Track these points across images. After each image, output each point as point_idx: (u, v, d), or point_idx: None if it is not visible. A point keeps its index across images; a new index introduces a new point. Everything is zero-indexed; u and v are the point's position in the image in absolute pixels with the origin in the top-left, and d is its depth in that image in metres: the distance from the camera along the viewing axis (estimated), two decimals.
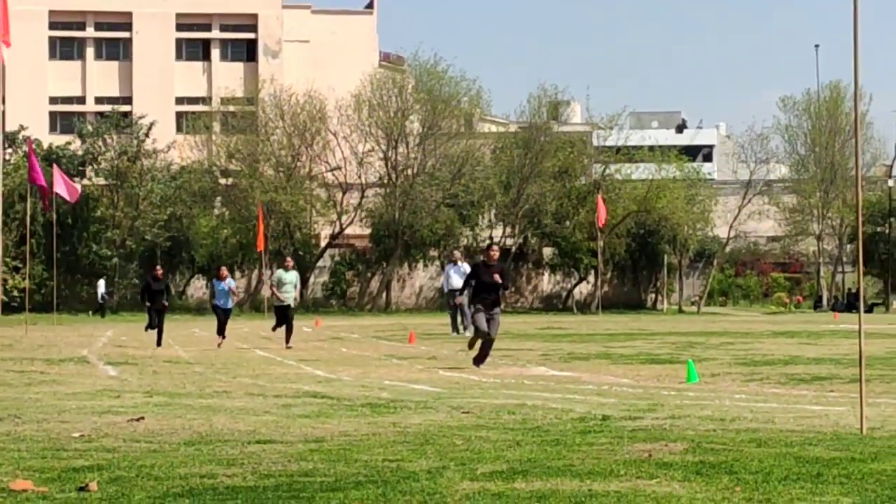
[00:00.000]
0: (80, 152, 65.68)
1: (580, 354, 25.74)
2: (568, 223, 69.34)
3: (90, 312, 58.79)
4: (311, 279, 67.28)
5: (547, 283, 73.13)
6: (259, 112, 69.44)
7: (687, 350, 26.38)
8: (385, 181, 67.58)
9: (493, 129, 76.78)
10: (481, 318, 21.15)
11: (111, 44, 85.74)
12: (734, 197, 76.96)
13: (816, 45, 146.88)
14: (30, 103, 77.62)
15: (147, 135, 65.80)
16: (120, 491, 7.54)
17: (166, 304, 31.28)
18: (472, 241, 68.73)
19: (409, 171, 67.04)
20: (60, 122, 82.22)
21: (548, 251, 71.56)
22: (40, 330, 40.03)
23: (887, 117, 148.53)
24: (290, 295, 29.69)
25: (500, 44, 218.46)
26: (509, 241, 68.95)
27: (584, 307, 69.21)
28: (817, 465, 8.47)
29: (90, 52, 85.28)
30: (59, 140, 68.42)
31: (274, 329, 30.36)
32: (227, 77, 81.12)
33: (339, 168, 67.46)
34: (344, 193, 68.23)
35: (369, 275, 69.74)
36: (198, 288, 67.31)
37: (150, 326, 30.94)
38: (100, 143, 65.87)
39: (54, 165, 47.92)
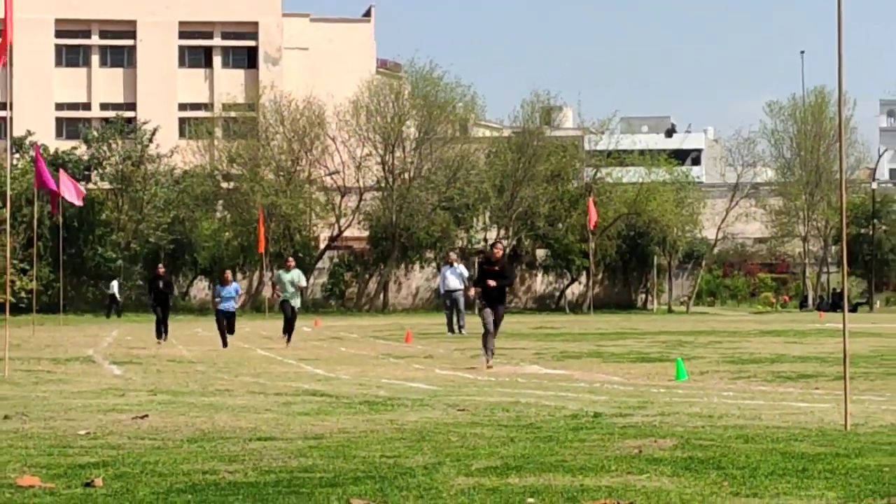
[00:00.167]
0: (85, 157, 65.64)
1: (572, 353, 25.75)
2: (560, 225, 69.32)
3: (105, 313, 58.91)
4: (311, 280, 67.16)
5: (540, 283, 73.10)
6: (260, 117, 69.40)
7: (676, 349, 26.39)
8: (382, 185, 67.54)
9: (488, 133, 76.79)
10: (488, 315, 21.60)
11: (116, 51, 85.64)
12: (722, 200, 76.97)
13: (802, 52, 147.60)
14: (36, 109, 77.49)
15: (151, 140, 65.78)
16: (124, 487, 7.53)
17: (170, 294, 31.76)
18: (467, 244, 68.76)
19: (406, 175, 67.01)
20: (66, 127, 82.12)
21: (541, 253, 71.53)
22: (47, 330, 40.02)
23: (870, 122, 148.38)
24: (290, 293, 29.47)
25: (494, 51, 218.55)
26: (503, 243, 68.83)
27: (576, 307, 69.19)
28: (803, 460, 8.48)
29: (95, 59, 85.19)
30: (64, 145, 68.39)
31: (285, 333, 29.52)
32: (229, 83, 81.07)
33: (337, 172, 67.41)
34: (342, 197, 68.20)
35: (367, 276, 69.69)
36: (200, 289, 67.32)
37: (158, 335, 31.24)
38: (105, 148, 65.82)
39: (61, 170, 47.86)
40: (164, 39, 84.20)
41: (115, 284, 60.31)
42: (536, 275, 72.81)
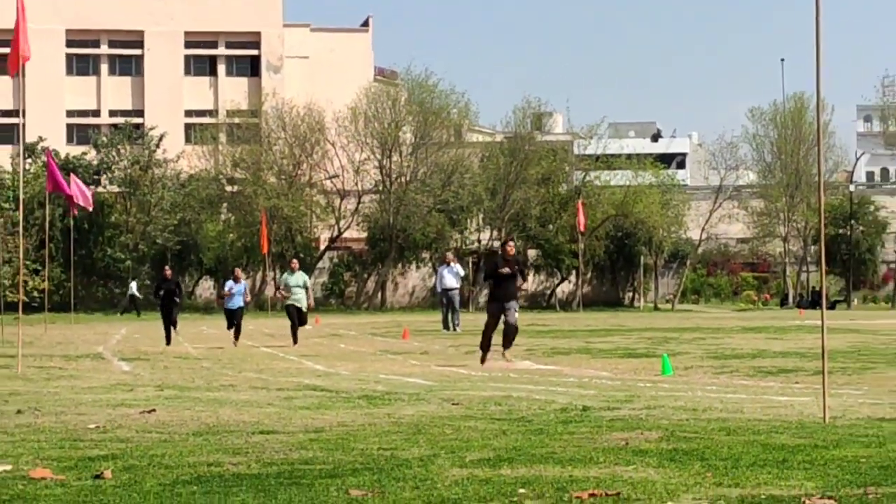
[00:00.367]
0: (95, 162, 65.70)
1: (562, 349, 25.72)
2: (551, 227, 69.33)
3: (120, 312, 58.90)
4: (312, 280, 67.10)
5: (531, 282, 73.10)
6: (262, 124, 69.37)
7: (662, 345, 26.36)
8: (380, 188, 67.52)
9: (481, 138, 76.73)
10: (493, 311, 21.27)
11: (124, 60, 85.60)
12: (706, 201, 76.93)
13: (782, 59, 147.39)
14: (48, 116, 77.49)
15: (158, 145, 65.82)
16: (133, 478, 7.53)
17: (178, 300, 30.93)
18: (461, 244, 68.78)
19: (403, 179, 67.00)
20: (77, 133, 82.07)
21: (532, 253, 71.49)
22: (58, 328, 39.97)
23: (848, 126, 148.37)
24: (298, 296, 28.52)
25: (487, 60, 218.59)
26: (496, 244, 68.90)
27: (566, 305, 69.21)
28: (783, 451, 8.48)
29: (104, 68, 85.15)
30: (75, 150, 68.37)
31: (293, 333, 28.61)
32: (233, 91, 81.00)
33: (337, 176, 67.39)
34: (342, 199, 68.20)
35: (366, 276, 69.68)
36: (206, 288, 67.30)
37: (167, 341, 30.40)
38: (114, 153, 65.84)
39: (71, 174, 47.82)
40: (171, 49, 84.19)
41: (133, 285, 60.40)
42: (528, 274, 72.70)
